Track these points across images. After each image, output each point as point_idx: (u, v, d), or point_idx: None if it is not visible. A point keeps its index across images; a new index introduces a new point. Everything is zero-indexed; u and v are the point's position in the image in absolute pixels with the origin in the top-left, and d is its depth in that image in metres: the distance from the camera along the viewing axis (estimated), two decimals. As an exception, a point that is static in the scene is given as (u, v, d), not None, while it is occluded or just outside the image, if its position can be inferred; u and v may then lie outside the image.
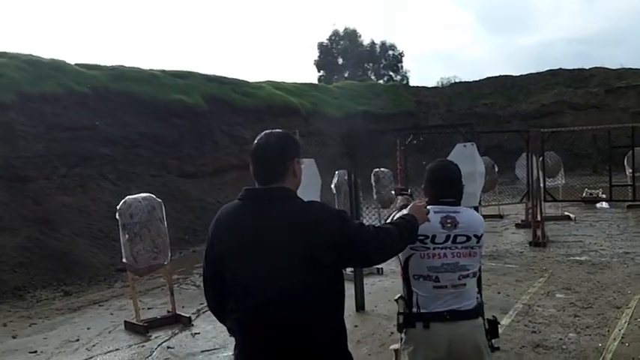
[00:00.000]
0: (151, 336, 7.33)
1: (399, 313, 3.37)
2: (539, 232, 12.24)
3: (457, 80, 39.64)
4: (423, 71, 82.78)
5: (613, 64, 36.56)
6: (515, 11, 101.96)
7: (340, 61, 60.12)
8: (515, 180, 18.52)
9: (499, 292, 8.25)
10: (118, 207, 7.72)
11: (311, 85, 30.49)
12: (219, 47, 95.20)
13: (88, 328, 7.88)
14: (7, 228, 11.79)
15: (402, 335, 3.37)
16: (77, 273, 11.36)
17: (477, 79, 37.33)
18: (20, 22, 66.22)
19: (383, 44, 61.31)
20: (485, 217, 8.14)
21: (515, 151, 16.06)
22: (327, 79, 52.49)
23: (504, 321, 6.82)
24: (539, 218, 12.49)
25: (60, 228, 12.66)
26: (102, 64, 19.40)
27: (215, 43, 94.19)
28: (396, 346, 3.67)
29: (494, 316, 3.62)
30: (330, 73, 56.22)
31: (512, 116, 32.46)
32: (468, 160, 6.73)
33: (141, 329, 7.46)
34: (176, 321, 7.81)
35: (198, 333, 7.33)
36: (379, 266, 9.88)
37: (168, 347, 6.88)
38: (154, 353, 6.72)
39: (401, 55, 61.24)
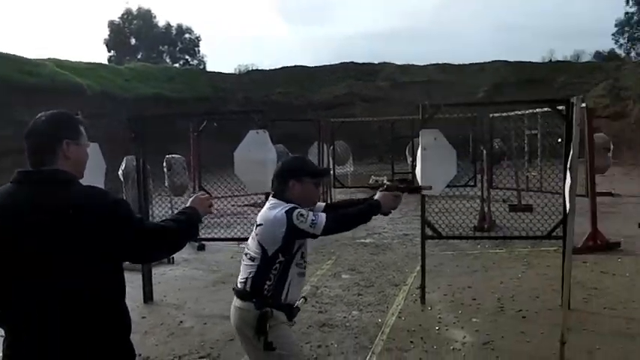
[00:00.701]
0: None
1: (260, 309, 3.38)
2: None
3: (255, 68, 40.12)
4: (220, 57, 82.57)
5: (399, 61, 39.17)
6: (314, 3, 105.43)
7: (133, 41, 57.90)
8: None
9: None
10: None
11: (99, 64, 28.99)
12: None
13: None
14: None
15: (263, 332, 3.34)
16: None
17: (274, 67, 38.12)
18: None
19: (179, 27, 60.09)
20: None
21: (309, 140, 16.60)
22: (118, 59, 50.28)
23: (294, 302, 7.08)
24: (329, 202, 13.05)
25: None
26: None
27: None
28: None
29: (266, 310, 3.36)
30: (121, 54, 53.91)
31: (306, 106, 33.53)
32: (261, 146, 6.86)
33: None
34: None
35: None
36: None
37: None
38: None
39: (198, 39, 60.47)
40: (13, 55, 22.13)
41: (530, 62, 37.83)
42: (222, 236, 10.05)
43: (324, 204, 3.84)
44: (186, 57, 59.67)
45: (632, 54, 54.17)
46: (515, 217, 10.28)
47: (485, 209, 11.92)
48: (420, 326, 6.13)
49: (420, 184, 6.67)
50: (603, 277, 7.78)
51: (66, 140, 2.47)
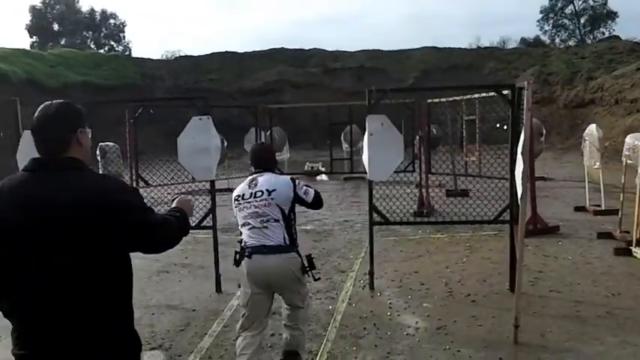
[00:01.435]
0: None
1: (235, 252, 4.61)
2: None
3: (182, 54, 39.32)
4: (146, 43, 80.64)
5: (329, 47, 39.24)
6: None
7: (56, 27, 56.29)
8: (242, 154, 18.94)
9: (233, 264, 8.31)
10: None
11: (23, 51, 27.73)
12: None
13: None
14: None
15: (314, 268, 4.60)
16: None
17: (203, 53, 37.47)
18: None
19: (103, 12, 58.94)
20: (217, 191, 8.13)
21: (242, 126, 16.36)
22: (40, 45, 48.57)
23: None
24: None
25: None
26: None
27: None
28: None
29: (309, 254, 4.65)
30: (44, 40, 52.30)
31: (237, 92, 33.16)
32: (204, 133, 6.65)
33: None
34: None
35: None
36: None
37: None
38: None
39: (123, 24, 59.35)
40: None
41: (458, 48, 38.50)
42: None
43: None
44: (112, 43, 58.33)
45: (557, 40, 56.04)
46: (453, 201, 10.39)
47: (424, 195, 12.04)
48: (372, 312, 6.08)
49: (367, 170, 6.64)
50: (547, 260, 7.92)
51: (80, 129, 2.51)
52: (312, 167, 20.06)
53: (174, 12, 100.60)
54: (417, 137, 13.27)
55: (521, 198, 5.09)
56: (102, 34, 59.07)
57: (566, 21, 58.45)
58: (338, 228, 10.89)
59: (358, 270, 7.73)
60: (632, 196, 8.37)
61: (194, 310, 6.34)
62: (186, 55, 38.16)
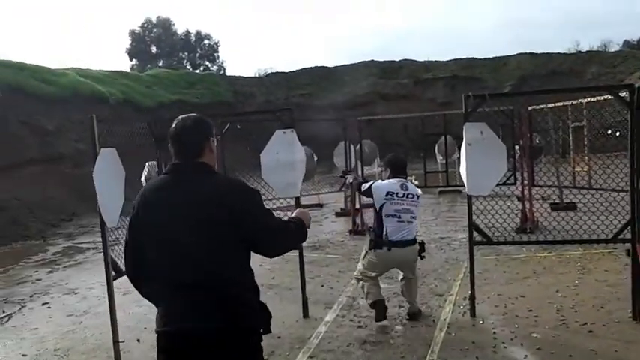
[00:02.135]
0: None
1: (371, 239, 6.18)
2: (358, 220, 12.15)
3: (273, 71, 39.55)
4: (239, 61, 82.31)
5: (420, 58, 38.47)
6: (326, 3, 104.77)
7: (154, 49, 58.28)
8: (332, 168, 18.53)
9: (322, 285, 7.89)
10: None
11: (121, 73, 28.52)
12: (18, 32, 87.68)
13: None
14: None
15: (371, 252, 6.17)
16: None
17: (294, 69, 37.55)
18: None
19: (198, 33, 60.49)
20: (304, 206, 7.71)
21: (332, 140, 15.94)
22: (140, 68, 50.25)
23: (329, 316, 6.43)
24: (358, 206, 12.42)
25: None
26: None
27: (15, 27, 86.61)
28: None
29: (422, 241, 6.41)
30: (143, 62, 54.13)
31: (328, 106, 32.87)
32: (288, 147, 6.23)
33: None
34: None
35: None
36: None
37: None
38: None
39: (217, 44, 60.83)
40: (35, 65, 21.70)
41: (557, 53, 36.75)
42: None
43: None
44: (206, 63, 59.79)
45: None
46: (559, 216, 9.48)
47: (527, 209, 11.19)
48: (474, 343, 5.44)
49: (465, 184, 6.02)
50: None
51: (211, 138, 2.93)
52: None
53: (265, 30, 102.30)
54: (516, 147, 12.43)
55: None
56: (197, 55, 60.67)
57: (675, 20, 55.24)
58: (434, 246, 10.23)
59: (457, 293, 7.08)
60: None
61: (279, 337, 5.87)
62: (276, 72, 38.34)
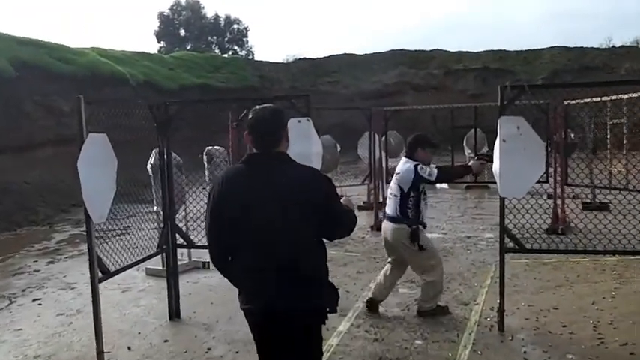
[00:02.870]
0: None
1: (411, 227, 5.82)
2: (381, 215, 11.60)
3: (301, 57, 38.88)
4: (269, 47, 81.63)
5: (452, 48, 37.59)
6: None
7: (182, 32, 58.01)
8: (357, 160, 17.97)
9: (338, 288, 7.34)
10: None
11: (143, 54, 27.86)
12: (44, 12, 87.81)
13: None
14: None
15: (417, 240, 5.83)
16: None
17: (323, 56, 36.86)
18: None
19: (227, 17, 59.93)
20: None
21: (358, 130, 15.38)
22: (168, 51, 49.90)
23: (342, 326, 5.90)
24: (381, 200, 11.89)
25: None
26: None
27: (41, 8, 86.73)
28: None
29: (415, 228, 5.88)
30: (171, 45, 53.75)
31: (356, 95, 32.25)
32: (304, 138, 5.67)
33: None
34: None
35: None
36: (205, 260, 8.68)
37: None
38: None
39: (246, 29, 60.21)
40: (54, 43, 21.19)
41: (590, 48, 35.58)
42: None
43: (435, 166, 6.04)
44: (235, 47, 59.32)
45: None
46: (592, 217, 8.79)
47: (559, 209, 10.56)
48: (502, 364, 4.91)
49: (497, 184, 5.44)
50: None
51: (286, 128, 3.14)
52: (430, 174, 18.78)
53: (296, 16, 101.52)
54: (548, 142, 11.76)
55: None
56: (226, 39, 60.22)
57: None
58: (459, 246, 9.66)
59: (484, 302, 6.52)
60: None
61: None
62: (304, 58, 37.62)
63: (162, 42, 56.05)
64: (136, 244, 6.07)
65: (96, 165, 4.77)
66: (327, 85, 33.19)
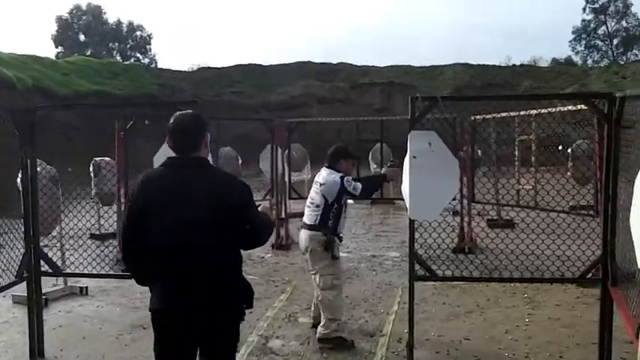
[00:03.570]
0: None
1: (326, 235, 5.67)
2: (283, 233, 10.96)
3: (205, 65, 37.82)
4: (173, 56, 79.50)
5: (357, 62, 37.60)
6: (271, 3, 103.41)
7: (82, 38, 55.89)
8: (260, 173, 17.23)
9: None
10: None
11: (33, 57, 26.07)
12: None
13: None
14: None
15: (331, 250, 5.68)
16: None
17: (227, 65, 35.95)
18: None
19: (130, 24, 58.46)
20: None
21: (261, 142, 14.66)
22: (66, 57, 47.67)
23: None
24: (283, 216, 11.25)
25: None
26: None
27: None
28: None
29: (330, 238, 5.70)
30: (69, 50, 51.61)
31: (261, 106, 31.51)
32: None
33: None
34: None
35: None
36: (83, 285, 7.74)
37: None
38: None
39: (149, 36, 58.83)
40: None
41: (492, 65, 36.55)
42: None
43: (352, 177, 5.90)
44: (138, 55, 57.69)
45: (589, 61, 54.19)
46: (498, 235, 8.36)
47: (466, 226, 10.24)
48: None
49: (407, 206, 4.88)
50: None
51: (207, 134, 3.31)
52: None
53: (201, 25, 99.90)
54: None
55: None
56: (128, 46, 58.49)
57: (598, 42, 56.91)
58: (364, 266, 9.13)
59: (391, 333, 5.93)
60: None
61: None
62: (208, 67, 36.49)
63: (60, 47, 53.74)
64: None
65: None
66: (231, 96, 32.27)
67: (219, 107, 25.93)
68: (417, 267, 4.98)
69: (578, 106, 7.70)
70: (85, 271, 5.98)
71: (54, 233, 7.98)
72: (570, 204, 8.28)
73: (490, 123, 10.90)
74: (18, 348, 5.79)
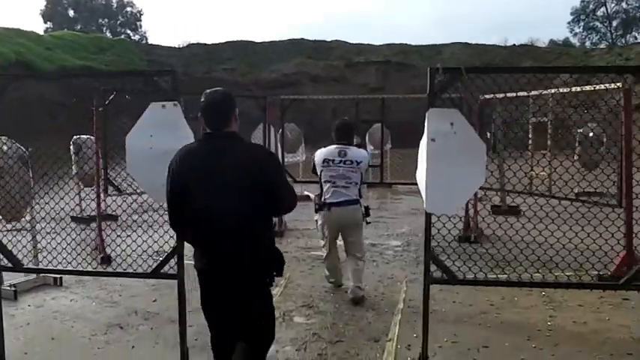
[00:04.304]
0: None
1: (315, 203, 6.54)
2: (275, 219, 10.23)
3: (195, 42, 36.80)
4: (164, 33, 78.11)
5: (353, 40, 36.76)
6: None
7: (71, 13, 54.82)
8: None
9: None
10: None
11: (16, 30, 25.06)
12: None
13: None
14: None
15: (317, 216, 6.51)
16: None
17: (218, 42, 35.00)
18: None
19: (120, 0, 57.08)
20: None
21: (253, 121, 13.90)
22: (54, 31, 46.66)
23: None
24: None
25: None
26: None
27: None
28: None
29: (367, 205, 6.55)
30: (58, 26, 50.63)
31: (253, 84, 30.76)
32: (168, 128, 4.17)
33: None
34: None
35: None
36: (57, 275, 7.01)
37: None
38: None
39: (140, 12, 57.82)
40: None
41: (492, 45, 35.78)
42: (140, 239, 7.16)
43: None
44: (128, 31, 56.73)
45: (587, 44, 53.50)
46: (504, 223, 7.56)
47: (472, 215, 9.54)
48: None
49: (423, 196, 4.14)
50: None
51: (236, 108, 3.49)
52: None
53: (192, 2, 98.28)
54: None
55: None
56: (118, 22, 57.54)
57: (597, 24, 56.16)
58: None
59: (398, 338, 5.23)
60: None
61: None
62: (198, 43, 35.47)
63: (49, 22, 52.73)
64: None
65: None
66: (222, 73, 31.46)
67: (210, 84, 24.95)
68: (432, 268, 4.26)
69: (600, 86, 7.01)
70: (60, 260, 5.28)
71: (27, 218, 7.25)
72: (579, 191, 7.51)
73: (503, 102, 10.14)
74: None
